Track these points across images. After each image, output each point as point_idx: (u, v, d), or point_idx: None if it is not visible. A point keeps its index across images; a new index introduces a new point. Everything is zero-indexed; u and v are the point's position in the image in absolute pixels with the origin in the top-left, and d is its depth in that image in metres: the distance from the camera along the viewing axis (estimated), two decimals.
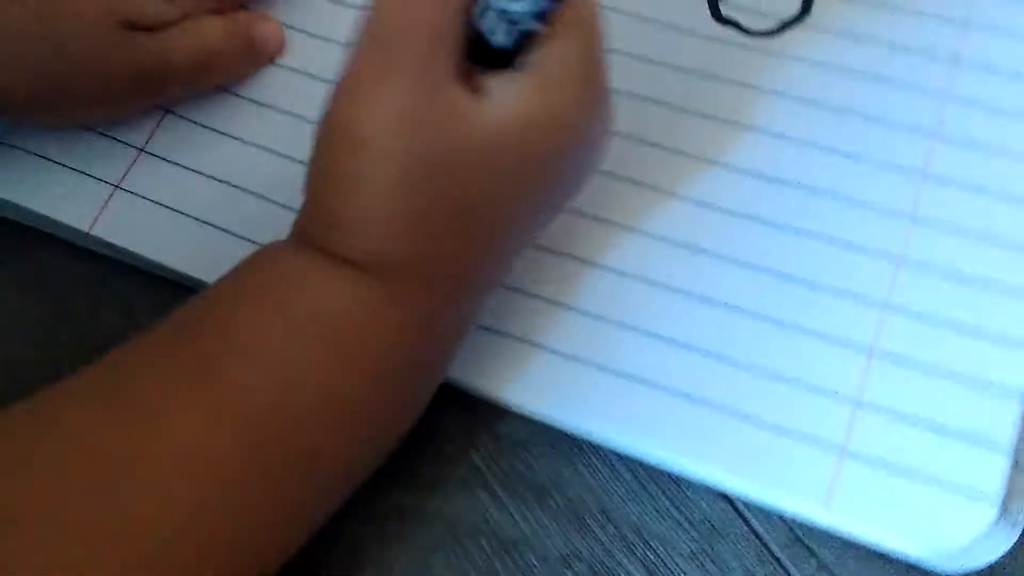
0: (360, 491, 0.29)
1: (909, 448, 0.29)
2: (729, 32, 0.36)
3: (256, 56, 0.35)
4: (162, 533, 0.24)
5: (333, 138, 0.27)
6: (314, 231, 0.27)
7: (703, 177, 0.33)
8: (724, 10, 0.36)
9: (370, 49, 0.26)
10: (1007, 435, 0.29)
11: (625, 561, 0.30)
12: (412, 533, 0.30)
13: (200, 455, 0.25)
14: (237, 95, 0.36)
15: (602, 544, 0.30)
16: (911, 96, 0.34)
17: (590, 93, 0.28)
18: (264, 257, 0.28)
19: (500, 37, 0.27)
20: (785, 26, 0.36)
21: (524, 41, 0.27)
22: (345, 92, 0.27)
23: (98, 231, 0.34)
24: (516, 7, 0.27)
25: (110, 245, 0.34)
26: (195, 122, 0.35)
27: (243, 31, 0.35)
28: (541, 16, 0.27)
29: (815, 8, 0.36)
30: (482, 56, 0.27)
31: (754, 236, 0.32)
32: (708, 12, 0.36)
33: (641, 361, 0.31)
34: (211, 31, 0.34)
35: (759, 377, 0.30)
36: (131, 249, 0.33)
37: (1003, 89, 0.34)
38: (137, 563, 0.23)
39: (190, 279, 0.33)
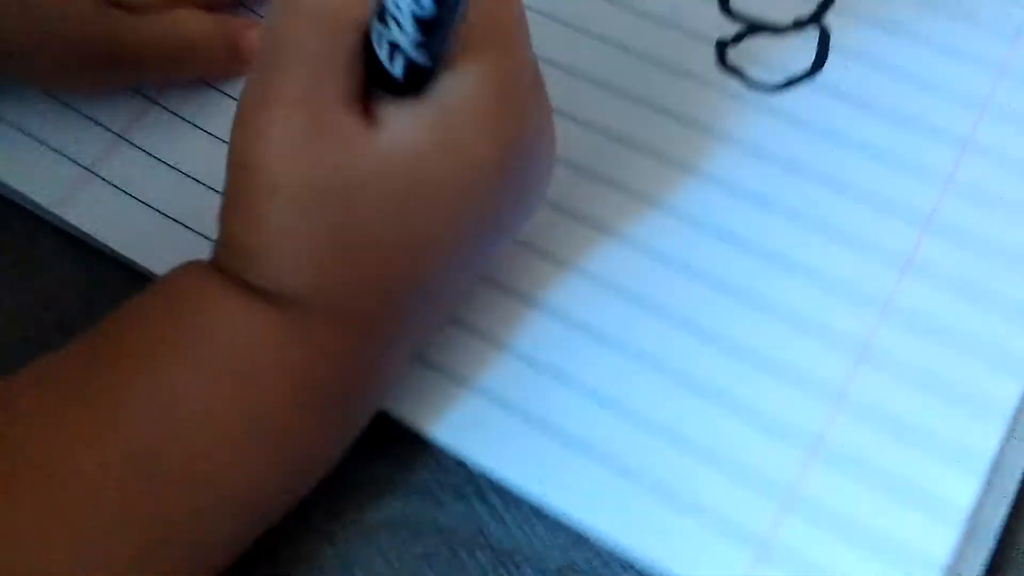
0: (352, 501, 0.29)
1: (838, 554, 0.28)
2: (731, 81, 0.34)
3: (239, 61, 0.35)
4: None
5: (232, 166, 0.27)
6: (226, 259, 0.27)
7: (665, 228, 0.32)
8: (731, 57, 0.35)
9: (259, 75, 0.26)
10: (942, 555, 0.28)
11: (623, 573, 0.29)
12: (406, 543, 0.30)
13: (85, 480, 0.24)
14: (225, 93, 0.35)
15: (599, 556, 0.29)
16: (909, 179, 0.32)
17: (501, 125, 0.26)
18: (179, 277, 0.27)
19: (395, 67, 0.25)
20: (791, 83, 0.34)
21: (435, 64, 0.25)
22: (238, 120, 0.26)
23: (65, 213, 0.33)
24: (399, 37, 0.25)
25: (75, 228, 0.33)
26: (178, 115, 0.35)
27: (230, 33, 0.34)
28: (431, 45, 0.25)
29: (827, 66, 0.34)
30: (390, 82, 0.26)
31: (710, 301, 0.31)
32: (714, 57, 0.35)
33: (569, 417, 0.30)
34: (196, 24, 0.34)
35: (692, 455, 0.29)
36: (95, 236, 0.33)
37: (1008, 183, 0.32)
38: None
39: (152, 274, 0.32)
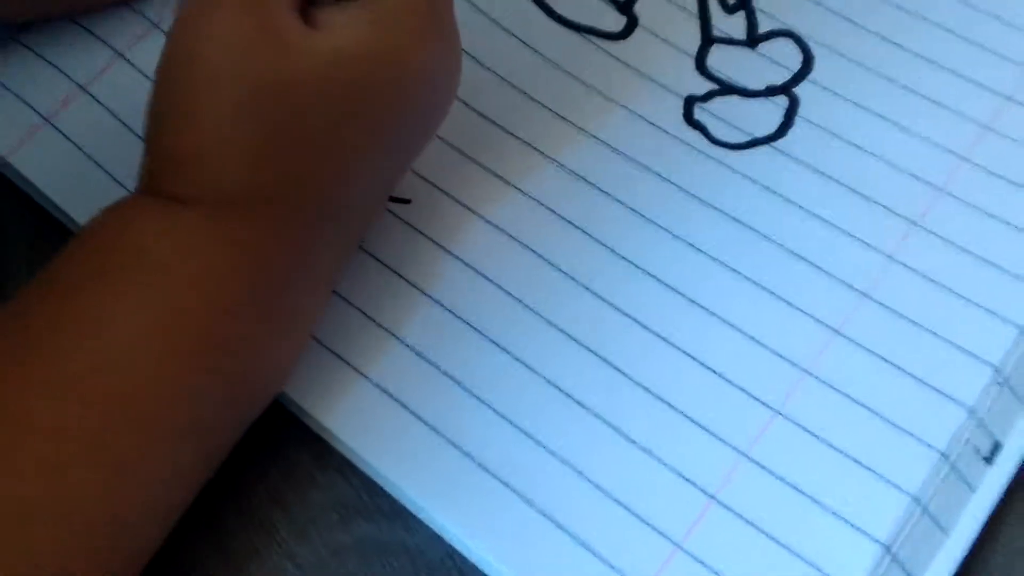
0: (322, 523, 0.29)
1: None
2: (695, 136, 0.34)
3: None
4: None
5: (168, 69, 0.27)
6: (149, 175, 0.27)
7: (605, 266, 0.32)
8: (698, 114, 0.35)
9: None
10: None
11: None
12: (374, 566, 0.29)
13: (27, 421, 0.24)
14: None
15: None
16: (856, 250, 0.32)
17: (430, 29, 0.28)
18: (104, 212, 0.27)
19: None
20: (753, 144, 0.34)
21: None
22: (181, 23, 0.27)
23: (16, 161, 0.33)
24: None
25: (25, 179, 0.33)
26: (145, 75, 0.34)
27: None
28: None
29: (791, 133, 0.34)
30: None
31: (642, 343, 0.31)
32: (681, 112, 0.35)
33: (462, 423, 0.30)
34: None
35: (594, 491, 0.29)
36: (42, 190, 0.33)
37: (949, 266, 0.32)
38: None
39: None
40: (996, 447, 0.30)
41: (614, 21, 0.37)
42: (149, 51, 0.34)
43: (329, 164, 0.27)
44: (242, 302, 0.27)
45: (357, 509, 0.30)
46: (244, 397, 0.28)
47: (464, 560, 0.29)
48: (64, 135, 0.34)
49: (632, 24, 0.37)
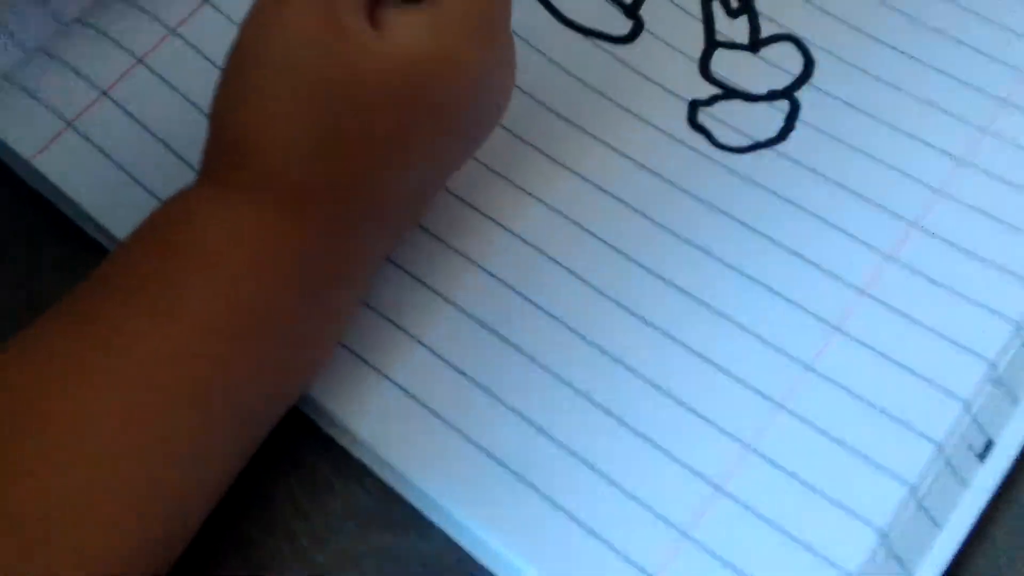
0: (341, 531, 0.30)
1: None
2: (699, 139, 0.35)
3: None
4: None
5: (237, 61, 0.28)
6: (209, 162, 0.29)
7: (615, 268, 0.33)
8: (701, 118, 0.36)
9: None
10: None
11: None
12: (391, 573, 0.30)
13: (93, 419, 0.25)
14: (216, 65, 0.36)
15: None
16: (856, 249, 0.33)
17: (488, 35, 0.29)
18: (164, 204, 0.29)
19: None
20: (755, 147, 0.35)
21: None
22: (251, 18, 0.28)
23: (40, 164, 0.34)
24: None
25: (50, 185, 0.34)
26: (164, 79, 0.35)
27: None
28: None
29: (792, 137, 0.35)
30: None
31: (649, 340, 0.32)
32: (686, 114, 0.36)
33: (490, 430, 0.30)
34: None
35: (608, 486, 0.30)
36: (66, 193, 0.34)
37: (947, 268, 0.33)
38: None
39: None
40: (989, 445, 0.31)
41: (621, 24, 0.37)
42: (167, 56, 0.36)
43: (383, 164, 0.28)
44: (290, 291, 0.28)
45: (374, 517, 0.30)
46: (284, 387, 0.29)
47: (478, 566, 0.30)
48: (87, 139, 0.34)
49: (638, 28, 0.37)
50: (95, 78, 0.35)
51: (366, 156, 0.28)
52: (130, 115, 0.35)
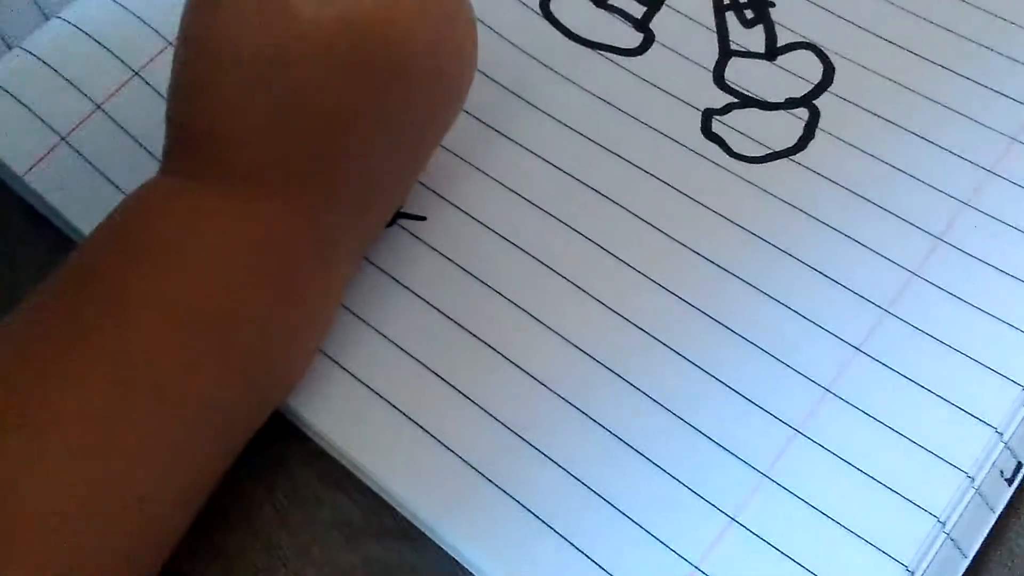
0: (327, 542, 0.29)
1: None
2: (714, 149, 0.34)
3: None
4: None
5: (181, 47, 0.28)
6: (168, 154, 0.28)
7: (607, 270, 0.32)
8: (716, 128, 0.34)
9: None
10: None
11: None
12: None
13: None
14: None
15: None
16: (878, 265, 0.31)
17: (437, 4, 0.28)
18: (126, 198, 0.28)
19: None
20: (772, 157, 0.34)
21: None
22: (189, 4, 0.28)
23: (32, 179, 0.33)
24: None
25: (40, 198, 0.33)
26: (159, 93, 0.34)
27: None
28: None
29: (812, 146, 0.34)
30: None
31: (661, 360, 0.30)
32: (699, 126, 0.34)
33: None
34: None
35: (608, 508, 0.28)
36: (58, 209, 0.33)
37: (972, 286, 0.31)
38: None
39: None
40: (1019, 467, 0.29)
41: (631, 38, 0.36)
42: (163, 69, 0.34)
43: (341, 138, 0.27)
44: (256, 279, 0.27)
45: (362, 527, 0.29)
46: (261, 382, 0.28)
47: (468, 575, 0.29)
48: (80, 154, 0.34)
49: (649, 40, 0.36)
50: (90, 92, 0.34)
51: (317, 132, 0.27)
52: (125, 130, 0.34)
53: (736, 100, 0.35)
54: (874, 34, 0.36)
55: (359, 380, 0.30)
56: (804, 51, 0.36)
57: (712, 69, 0.35)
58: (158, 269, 0.26)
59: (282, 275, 0.28)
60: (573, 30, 0.36)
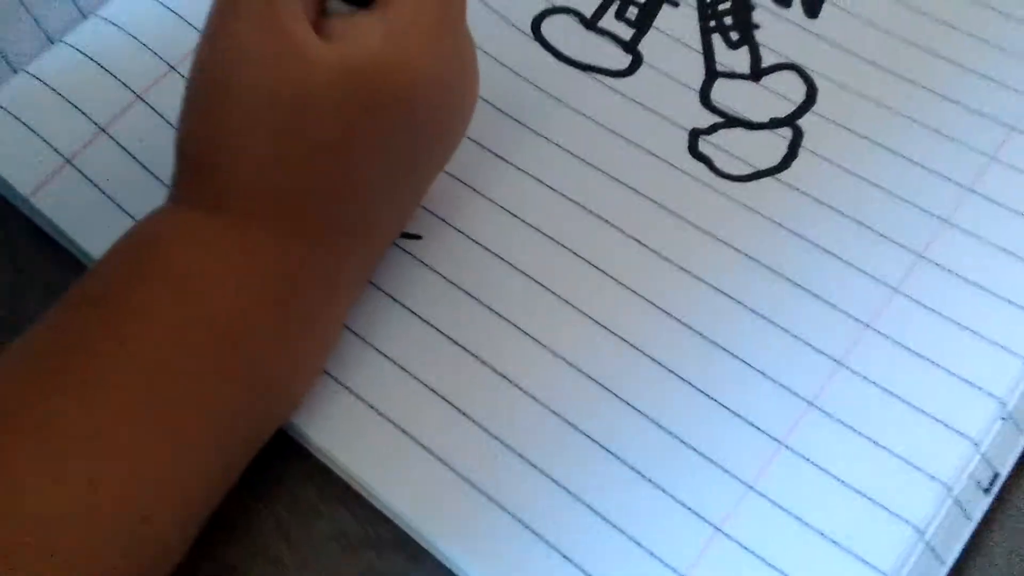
0: (327, 554, 0.30)
1: None
2: (700, 168, 0.35)
3: None
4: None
5: (194, 80, 0.28)
6: (177, 185, 0.29)
7: (595, 285, 0.33)
8: (702, 147, 0.35)
9: None
10: None
11: None
12: None
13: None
14: None
15: None
16: (860, 281, 0.32)
17: (439, 37, 0.28)
18: (134, 226, 0.29)
19: None
20: (757, 176, 0.35)
21: None
22: (204, 36, 0.28)
23: (38, 201, 0.34)
24: None
25: (46, 220, 0.34)
26: (163, 117, 0.35)
27: None
28: None
29: (795, 165, 0.35)
30: None
31: (646, 375, 0.31)
32: (686, 145, 0.35)
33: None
34: None
35: (601, 523, 0.29)
36: (64, 230, 0.34)
37: (954, 303, 0.32)
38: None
39: None
40: (995, 477, 0.30)
41: (620, 60, 0.37)
42: (167, 93, 0.36)
43: (346, 174, 0.28)
44: (261, 306, 0.28)
45: (361, 540, 0.30)
46: (265, 403, 0.29)
47: None
48: (85, 176, 0.34)
49: (637, 62, 0.37)
50: (95, 114, 0.35)
51: (325, 168, 0.28)
52: (129, 152, 0.35)
53: (722, 120, 0.36)
54: (856, 55, 0.37)
55: (360, 398, 0.31)
56: (788, 72, 0.37)
57: (699, 90, 0.36)
58: (165, 295, 0.27)
59: (287, 302, 0.28)
60: (564, 52, 0.37)
